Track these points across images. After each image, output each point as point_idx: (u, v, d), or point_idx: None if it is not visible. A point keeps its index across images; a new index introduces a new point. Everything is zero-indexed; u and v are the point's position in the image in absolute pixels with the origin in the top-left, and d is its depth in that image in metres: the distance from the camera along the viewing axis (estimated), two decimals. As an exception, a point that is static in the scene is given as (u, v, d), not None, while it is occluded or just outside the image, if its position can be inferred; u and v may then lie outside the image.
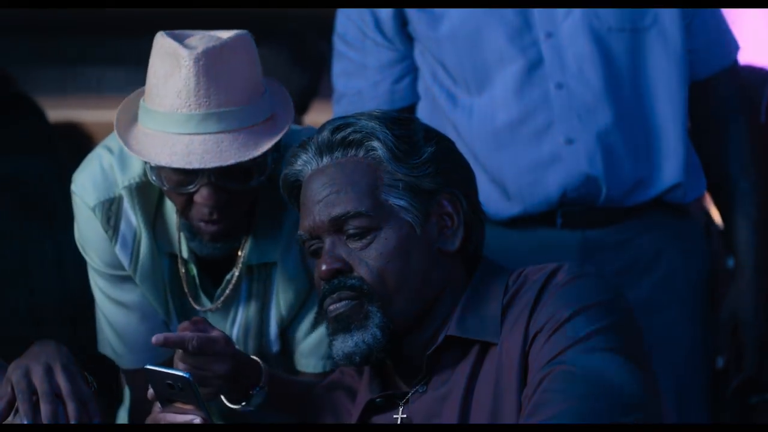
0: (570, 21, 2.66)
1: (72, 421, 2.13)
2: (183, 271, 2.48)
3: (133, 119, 2.35)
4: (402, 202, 2.05)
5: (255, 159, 2.27)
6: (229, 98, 2.26)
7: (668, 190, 2.73)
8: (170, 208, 2.46)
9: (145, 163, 2.35)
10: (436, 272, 2.07)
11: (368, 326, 2.03)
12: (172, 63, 2.25)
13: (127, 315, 2.55)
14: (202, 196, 2.30)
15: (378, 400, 2.11)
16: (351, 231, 2.05)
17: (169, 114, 2.26)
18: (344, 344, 2.05)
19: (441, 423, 2.03)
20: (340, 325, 2.06)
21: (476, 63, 2.68)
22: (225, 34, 2.30)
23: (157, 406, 2.09)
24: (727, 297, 2.82)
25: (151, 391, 2.06)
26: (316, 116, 4.42)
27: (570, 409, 1.88)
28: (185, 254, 2.47)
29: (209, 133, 2.25)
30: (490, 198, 2.61)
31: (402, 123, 2.10)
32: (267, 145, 2.28)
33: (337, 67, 2.87)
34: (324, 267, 2.05)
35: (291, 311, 2.50)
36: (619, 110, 2.67)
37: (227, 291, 2.47)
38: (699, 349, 2.81)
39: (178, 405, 2.05)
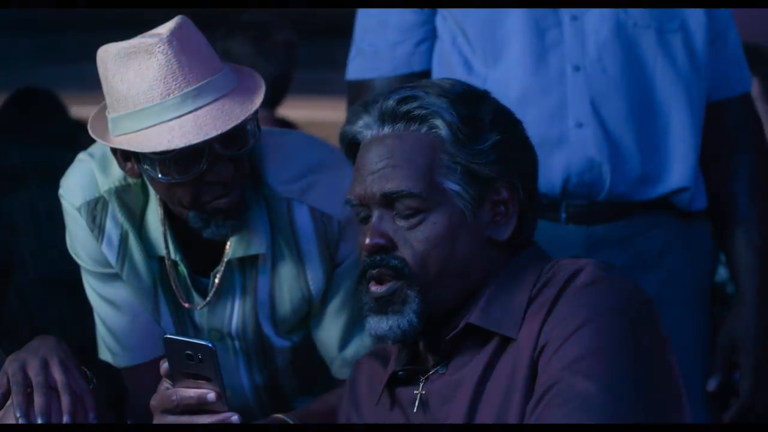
0: (597, 9, 2.66)
1: (65, 414, 2.13)
2: (173, 272, 2.49)
3: (105, 134, 2.35)
4: (457, 188, 2.01)
5: (247, 119, 2.31)
6: (208, 69, 2.30)
7: (675, 192, 2.72)
8: (153, 213, 2.48)
9: (145, 164, 2.34)
10: (481, 260, 2.03)
11: (405, 311, 2.01)
12: (142, 57, 2.27)
13: (119, 312, 2.56)
14: (214, 171, 2.31)
15: (400, 372, 2.10)
16: (401, 209, 2.01)
17: (161, 103, 2.26)
18: (379, 325, 2.03)
19: (452, 408, 2.01)
20: (377, 306, 2.04)
21: (497, 35, 2.67)
22: (165, 25, 2.32)
23: (163, 385, 2.07)
24: (727, 322, 2.80)
25: (165, 365, 2.04)
26: (288, 111, 4.41)
27: None
28: (173, 256, 2.48)
29: (208, 104, 2.27)
30: None
31: (472, 102, 2.04)
32: (259, 98, 2.32)
33: (360, 23, 2.83)
34: (368, 241, 2.03)
35: (286, 311, 2.52)
36: (633, 103, 2.67)
37: (215, 285, 2.48)
38: (702, 347, 2.80)
39: (192, 380, 2.02)
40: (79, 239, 2.52)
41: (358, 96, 2.80)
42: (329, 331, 2.54)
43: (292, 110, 4.55)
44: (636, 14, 2.68)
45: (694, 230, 2.80)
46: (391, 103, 2.03)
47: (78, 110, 4.83)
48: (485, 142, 2.01)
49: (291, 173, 2.47)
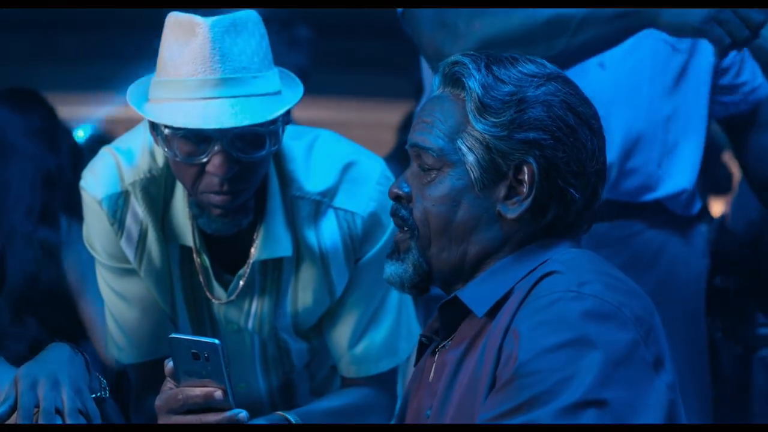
0: None
1: None
2: (198, 261, 2.50)
3: (143, 96, 2.38)
4: (470, 156, 2.02)
5: (268, 127, 2.33)
6: (242, 66, 2.32)
7: (673, 196, 2.76)
8: (179, 202, 2.49)
9: (157, 135, 2.37)
10: (487, 233, 2.03)
11: (405, 260, 2.05)
12: (187, 33, 2.31)
13: (131, 308, 2.57)
14: (213, 165, 2.33)
15: (423, 338, 2.14)
16: (422, 164, 2.06)
17: (183, 80, 2.31)
18: (387, 268, 2.08)
19: (440, 386, 2.03)
20: (391, 250, 2.09)
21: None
22: (236, 12, 2.36)
23: (167, 385, 2.07)
24: None
25: (169, 365, 2.04)
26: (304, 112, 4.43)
27: None
28: (198, 245, 2.50)
29: (224, 98, 2.30)
30: None
31: (515, 80, 2.04)
32: (279, 111, 2.33)
33: None
34: (391, 188, 2.09)
35: (307, 313, 2.55)
36: (649, 106, 2.71)
37: (240, 286, 2.50)
38: (699, 346, 2.82)
39: (197, 379, 2.02)
40: (96, 232, 2.54)
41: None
42: (342, 328, 2.56)
43: (311, 111, 4.56)
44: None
45: (690, 232, 2.83)
46: (444, 65, 2.08)
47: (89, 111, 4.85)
48: (502, 117, 2.01)
49: (322, 175, 2.49)
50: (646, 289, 2.68)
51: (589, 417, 1.81)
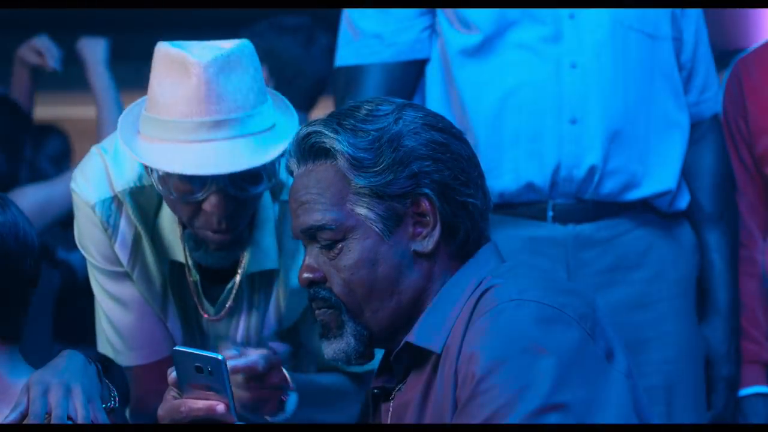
0: (594, 9, 2.69)
1: None
2: (189, 278, 2.50)
3: (133, 128, 2.37)
4: (365, 212, 2.03)
5: (265, 164, 2.31)
6: (237, 105, 2.30)
7: (658, 195, 2.76)
8: (168, 216, 2.48)
9: (151, 172, 2.36)
10: (412, 276, 2.05)
11: (343, 335, 2.06)
12: (180, 72, 2.28)
13: (126, 311, 2.57)
14: (211, 204, 2.31)
15: (375, 390, 2.14)
16: (322, 242, 2.06)
17: (178, 122, 2.28)
18: (327, 349, 2.08)
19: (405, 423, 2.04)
20: (323, 330, 2.09)
21: (499, 26, 2.68)
22: (227, 44, 2.33)
23: (171, 393, 2.08)
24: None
25: (172, 375, 2.06)
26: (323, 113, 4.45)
27: None
28: (189, 261, 2.49)
29: (220, 140, 2.28)
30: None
31: (369, 125, 2.05)
32: (276, 151, 2.31)
33: (356, 8, 2.79)
34: (300, 276, 2.08)
35: (291, 320, 2.55)
36: (626, 103, 2.70)
37: (230, 300, 2.51)
38: (688, 345, 2.81)
39: (200, 391, 2.03)
40: (89, 236, 2.52)
41: (350, 84, 2.79)
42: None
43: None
44: (631, 17, 2.71)
45: (678, 229, 2.83)
46: (297, 141, 2.07)
47: (81, 111, 4.84)
48: (380, 163, 2.03)
49: None
50: (634, 288, 2.72)
51: (551, 422, 1.83)
